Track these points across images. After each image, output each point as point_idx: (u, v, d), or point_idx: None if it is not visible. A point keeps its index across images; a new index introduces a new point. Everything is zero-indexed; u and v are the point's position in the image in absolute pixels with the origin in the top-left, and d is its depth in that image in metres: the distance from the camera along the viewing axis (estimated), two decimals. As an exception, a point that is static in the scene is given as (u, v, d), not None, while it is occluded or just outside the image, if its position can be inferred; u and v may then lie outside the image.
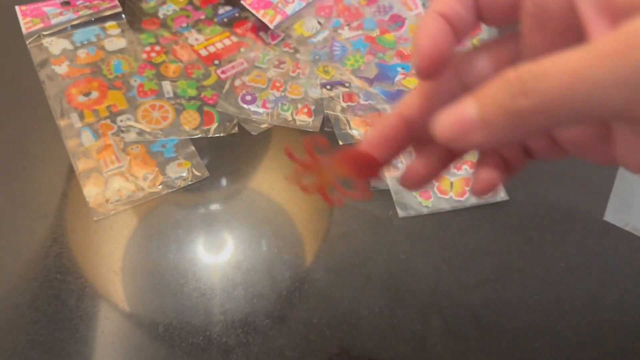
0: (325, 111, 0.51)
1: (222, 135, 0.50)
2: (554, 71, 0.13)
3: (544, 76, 0.13)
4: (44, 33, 0.55)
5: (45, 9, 0.57)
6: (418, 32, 0.19)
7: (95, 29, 0.56)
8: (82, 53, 0.54)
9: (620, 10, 0.13)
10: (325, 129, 0.50)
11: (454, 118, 0.16)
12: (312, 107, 0.52)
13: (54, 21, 0.56)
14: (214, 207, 0.46)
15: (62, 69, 0.53)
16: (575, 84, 0.13)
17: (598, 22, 0.14)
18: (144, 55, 0.54)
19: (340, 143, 0.50)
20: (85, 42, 0.55)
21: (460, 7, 0.18)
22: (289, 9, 0.57)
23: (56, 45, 0.55)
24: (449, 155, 0.21)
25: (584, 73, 0.12)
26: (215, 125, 0.50)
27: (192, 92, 0.52)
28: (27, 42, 0.54)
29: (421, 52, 0.18)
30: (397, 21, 0.59)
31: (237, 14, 0.59)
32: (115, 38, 0.56)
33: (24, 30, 0.55)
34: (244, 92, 0.52)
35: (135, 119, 0.49)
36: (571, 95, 0.13)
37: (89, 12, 0.57)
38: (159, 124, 0.49)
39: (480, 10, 0.19)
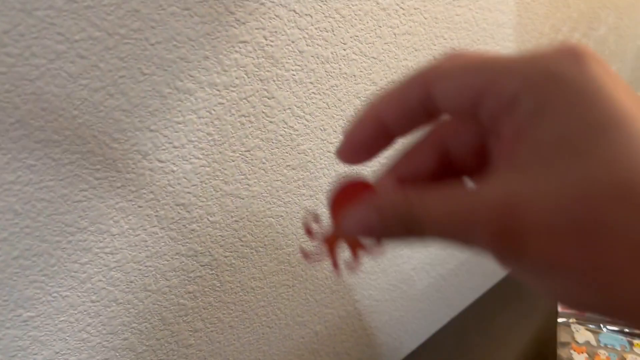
0: None
1: None
2: (435, 206, 0.18)
3: (425, 208, 0.18)
4: (575, 320, 0.65)
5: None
6: (352, 130, 0.22)
7: (622, 338, 0.62)
8: (602, 353, 0.61)
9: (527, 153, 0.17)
10: None
11: (361, 220, 0.20)
12: None
13: (588, 315, 0.65)
14: None
15: (579, 357, 0.61)
16: (448, 225, 0.18)
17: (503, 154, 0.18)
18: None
19: None
20: (608, 346, 0.62)
21: (400, 109, 0.21)
22: None
23: (582, 334, 0.64)
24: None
25: (459, 218, 0.17)
26: None
27: None
28: (558, 319, 0.66)
29: (342, 148, 0.22)
30: None
31: None
32: (638, 357, 0.60)
33: (559, 308, 0.67)
34: None
35: None
36: (448, 232, 0.18)
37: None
38: None
39: (436, 104, 0.20)
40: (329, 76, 0.46)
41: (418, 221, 0.19)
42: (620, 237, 0.16)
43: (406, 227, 0.19)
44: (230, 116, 0.39)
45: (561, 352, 0.62)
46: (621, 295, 0.16)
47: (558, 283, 0.17)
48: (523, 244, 0.17)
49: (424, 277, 0.73)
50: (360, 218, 0.20)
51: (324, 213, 0.23)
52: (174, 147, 0.36)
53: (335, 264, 0.23)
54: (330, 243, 0.23)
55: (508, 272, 0.19)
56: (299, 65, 0.42)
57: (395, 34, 0.49)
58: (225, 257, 0.45)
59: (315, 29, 0.42)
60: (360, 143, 0.22)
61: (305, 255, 0.23)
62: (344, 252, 0.22)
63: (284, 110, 0.43)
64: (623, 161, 0.16)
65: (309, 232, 0.23)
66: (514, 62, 0.18)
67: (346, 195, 0.22)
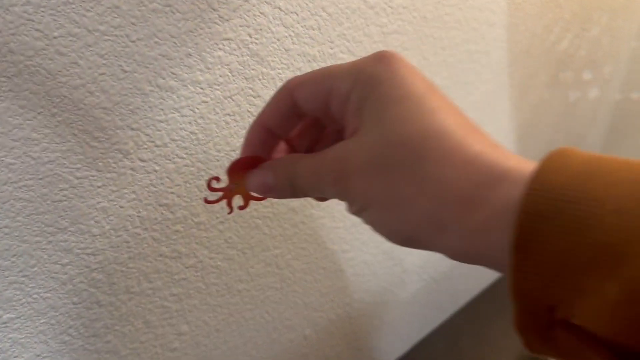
0: None
1: None
2: (304, 168, 0.25)
3: (299, 170, 0.26)
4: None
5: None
6: (246, 140, 0.29)
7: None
8: None
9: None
10: None
11: (261, 181, 0.27)
12: None
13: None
14: None
15: (570, 361, 0.61)
16: (311, 181, 0.25)
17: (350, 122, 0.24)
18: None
19: None
20: (601, 349, 0.62)
21: (279, 117, 0.27)
22: None
23: (574, 337, 0.63)
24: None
25: (316, 175, 0.25)
26: None
27: None
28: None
29: (243, 153, 0.29)
30: None
31: None
32: None
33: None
34: None
35: None
36: (312, 186, 0.25)
37: None
38: None
39: (301, 110, 0.27)
40: (316, 75, 0.45)
41: (297, 180, 0.26)
42: (407, 175, 0.22)
43: (291, 185, 0.27)
44: (215, 115, 0.39)
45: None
46: (410, 219, 0.22)
47: (374, 215, 0.24)
48: (350, 184, 0.24)
49: (415, 279, 0.73)
50: (261, 179, 0.28)
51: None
52: (156, 146, 0.36)
53: (230, 208, 0.33)
54: (228, 195, 0.32)
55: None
56: (285, 64, 0.42)
57: (383, 33, 0.49)
58: (211, 258, 0.45)
59: (302, 26, 0.42)
60: (255, 147, 0.28)
61: (208, 202, 0.32)
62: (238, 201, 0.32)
63: (270, 109, 0.43)
64: (405, 121, 0.22)
65: (210, 187, 0.32)
66: (347, 69, 0.25)
67: (242, 165, 0.30)
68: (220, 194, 0.32)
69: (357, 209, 0.24)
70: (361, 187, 0.23)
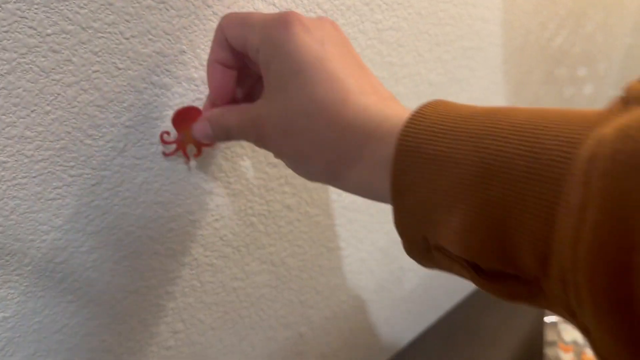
0: None
1: None
2: (231, 119, 0.32)
3: (228, 120, 0.32)
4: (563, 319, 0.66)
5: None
6: (208, 78, 0.34)
7: (610, 336, 0.63)
8: (589, 352, 0.62)
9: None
10: None
11: (202, 132, 0.35)
12: None
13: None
14: None
15: (566, 356, 0.61)
16: (237, 131, 0.32)
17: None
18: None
19: None
20: (596, 344, 0.62)
21: (225, 52, 0.32)
22: None
23: (569, 333, 0.64)
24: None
25: (241, 127, 0.32)
26: None
27: None
28: (545, 319, 0.66)
29: (214, 94, 0.34)
30: None
31: None
32: None
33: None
34: None
35: None
36: (242, 138, 0.33)
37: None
38: None
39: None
40: (311, 72, 0.46)
41: (229, 132, 0.33)
42: (306, 139, 0.28)
43: (227, 136, 0.33)
44: (209, 112, 0.39)
45: (548, 351, 0.62)
46: (313, 170, 0.29)
47: (288, 164, 0.31)
48: (267, 142, 0.30)
49: (411, 277, 0.73)
50: (202, 130, 0.35)
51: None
52: (151, 143, 0.36)
53: (187, 157, 0.38)
54: (181, 146, 0.37)
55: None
56: (279, 61, 0.42)
57: (378, 30, 0.49)
58: (206, 256, 0.45)
59: (296, 24, 0.42)
60: (218, 82, 0.33)
61: (166, 154, 0.37)
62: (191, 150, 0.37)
63: (265, 106, 0.43)
64: (301, 93, 0.27)
65: (163, 140, 0.36)
66: (258, 25, 0.29)
67: (183, 116, 0.35)
68: (174, 146, 0.37)
69: (277, 157, 0.31)
70: (275, 147, 0.30)
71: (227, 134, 0.33)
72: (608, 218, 0.18)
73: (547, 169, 0.20)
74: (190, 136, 0.36)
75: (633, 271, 0.17)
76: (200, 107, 0.37)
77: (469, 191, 0.22)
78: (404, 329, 0.77)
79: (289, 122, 0.28)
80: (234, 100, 0.35)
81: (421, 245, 0.26)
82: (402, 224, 0.25)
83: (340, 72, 0.27)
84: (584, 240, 0.18)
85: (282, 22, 0.28)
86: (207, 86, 0.38)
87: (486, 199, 0.21)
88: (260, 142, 0.31)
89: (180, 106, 0.36)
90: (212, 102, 0.35)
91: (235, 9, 0.37)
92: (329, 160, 0.28)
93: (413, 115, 0.25)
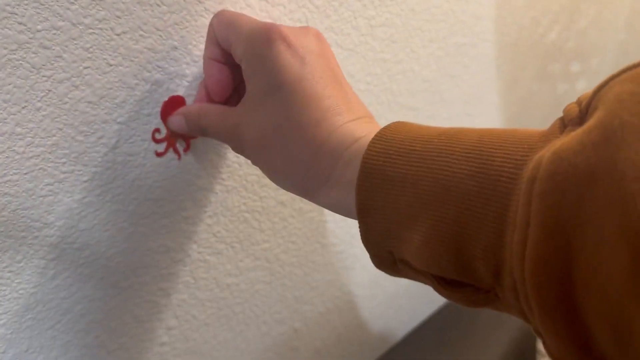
0: None
1: None
2: (209, 120, 0.33)
3: (205, 120, 0.33)
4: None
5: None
6: (205, 75, 0.35)
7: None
8: (581, 347, 0.62)
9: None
10: None
11: (178, 124, 0.35)
12: None
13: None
14: None
15: None
16: (216, 134, 0.33)
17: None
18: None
19: None
20: (588, 339, 0.63)
21: (217, 49, 0.33)
22: None
23: None
24: None
25: (219, 131, 0.33)
26: None
27: None
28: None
29: (211, 90, 0.34)
30: None
31: None
32: None
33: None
34: None
35: None
36: (216, 137, 0.34)
37: None
38: None
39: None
40: (304, 68, 0.46)
41: (204, 129, 0.34)
42: (281, 155, 0.29)
43: (200, 131, 0.34)
44: (202, 109, 0.39)
45: (541, 347, 0.63)
46: (287, 185, 0.31)
47: (264, 173, 0.32)
48: (244, 152, 0.32)
49: (405, 272, 0.73)
50: (176, 122, 0.35)
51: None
52: (143, 140, 0.36)
53: (178, 154, 0.38)
54: (171, 142, 0.37)
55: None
56: (272, 57, 0.42)
57: (371, 26, 0.49)
58: (199, 253, 0.45)
59: (289, 19, 0.42)
60: (215, 77, 0.33)
61: (159, 154, 0.37)
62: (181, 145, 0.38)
63: (258, 102, 0.43)
64: (278, 111, 0.29)
65: (155, 139, 0.36)
66: (244, 35, 0.30)
67: (169, 108, 0.36)
68: (165, 144, 0.37)
69: (254, 165, 0.33)
70: (252, 157, 0.32)
71: (203, 133, 0.34)
72: (548, 236, 0.19)
73: (495, 188, 0.22)
74: None
75: (573, 284, 0.19)
76: (190, 101, 0.37)
77: (426, 209, 0.23)
78: (397, 324, 0.77)
79: (266, 138, 0.29)
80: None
81: (387, 259, 0.27)
82: (368, 241, 0.27)
83: (317, 93, 0.28)
84: (529, 256, 0.20)
85: (266, 37, 0.29)
86: (198, 82, 0.38)
87: (442, 216, 0.23)
88: (238, 150, 0.33)
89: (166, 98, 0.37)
90: (210, 97, 0.35)
91: (227, 4, 0.37)
92: (302, 178, 0.29)
93: (374, 138, 0.26)
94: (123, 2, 0.32)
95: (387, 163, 0.25)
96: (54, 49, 0.30)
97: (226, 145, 0.42)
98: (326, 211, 0.56)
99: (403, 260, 0.26)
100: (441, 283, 0.25)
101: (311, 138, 0.28)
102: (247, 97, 0.31)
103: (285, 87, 0.28)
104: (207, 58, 0.34)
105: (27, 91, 0.30)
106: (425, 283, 0.26)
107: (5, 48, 0.29)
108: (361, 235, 0.27)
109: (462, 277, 0.24)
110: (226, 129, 0.32)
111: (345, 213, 0.28)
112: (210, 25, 0.33)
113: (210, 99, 0.35)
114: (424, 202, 0.24)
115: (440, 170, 0.23)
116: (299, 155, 0.29)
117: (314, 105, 0.28)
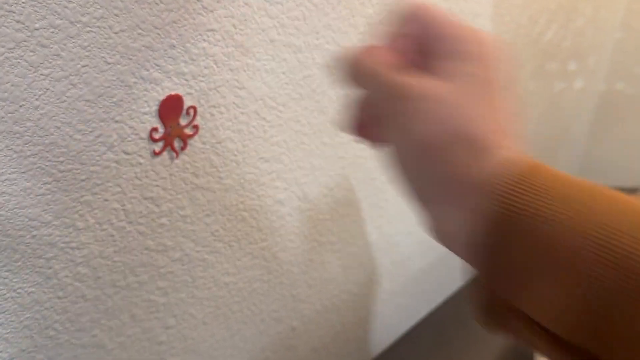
0: None
1: None
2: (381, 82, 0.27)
3: (376, 71, 0.27)
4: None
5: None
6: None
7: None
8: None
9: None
10: None
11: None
12: None
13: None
14: None
15: None
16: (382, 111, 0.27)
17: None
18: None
19: None
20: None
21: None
22: None
23: None
24: None
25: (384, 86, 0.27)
26: None
27: None
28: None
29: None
30: None
31: None
32: None
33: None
34: None
35: None
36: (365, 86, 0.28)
37: None
38: None
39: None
40: (302, 66, 0.46)
41: (375, 77, 0.27)
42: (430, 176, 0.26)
43: (363, 82, 0.29)
44: (199, 107, 0.39)
45: (538, 343, 0.63)
46: (407, 177, 0.27)
47: (389, 153, 0.27)
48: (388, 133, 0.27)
49: (402, 271, 0.74)
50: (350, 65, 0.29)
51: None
52: (141, 138, 0.36)
53: (175, 152, 0.38)
54: (169, 141, 0.37)
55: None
56: (270, 55, 0.42)
57: (369, 24, 0.49)
58: (197, 252, 0.45)
59: (287, 17, 0.42)
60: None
61: (157, 153, 0.37)
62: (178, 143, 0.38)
63: (256, 101, 0.43)
64: (441, 124, 0.25)
65: (152, 138, 0.36)
66: (457, 42, 0.26)
67: (168, 107, 0.36)
68: (162, 142, 0.37)
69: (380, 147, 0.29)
70: (392, 141, 0.27)
71: (363, 85, 0.28)
72: None
73: None
74: (177, 127, 0.37)
75: None
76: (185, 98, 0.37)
77: (574, 266, 0.21)
78: (395, 322, 0.78)
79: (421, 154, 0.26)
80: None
81: (494, 306, 0.25)
82: (487, 282, 0.25)
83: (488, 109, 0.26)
84: None
85: (479, 56, 0.26)
86: (196, 80, 0.38)
87: (594, 279, 0.20)
88: (385, 125, 0.27)
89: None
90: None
91: (225, 3, 0.37)
92: (428, 182, 0.26)
93: (520, 180, 0.23)
94: (121, 0, 0.32)
95: (527, 216, 0.23)
96: (51, 47, 0.30)
97: (224, 144, 0.42)
98: (323, 210, 0.56)
99: (515, 310, 0.23)
100: (557, 346, 0.22)
101: (463, 167, 0.26)
102: (440, 80, 0.26)
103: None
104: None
105: (24, 89, 0.30)
106: (532, 341, 0.24)
107: (3, 46, 0.29)
108: (482, 274, 0.25)
109: (593, 347, 0.21)
110: (401, 97, 0.26)
111: (452, 239, 0.27)
112: (421, 15, 0.28)
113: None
114: (576, 257, 0.21)
115: (601, 228, 0.21)
116: (436, 169, 0.26)
117: (471, 135, 0.26)
